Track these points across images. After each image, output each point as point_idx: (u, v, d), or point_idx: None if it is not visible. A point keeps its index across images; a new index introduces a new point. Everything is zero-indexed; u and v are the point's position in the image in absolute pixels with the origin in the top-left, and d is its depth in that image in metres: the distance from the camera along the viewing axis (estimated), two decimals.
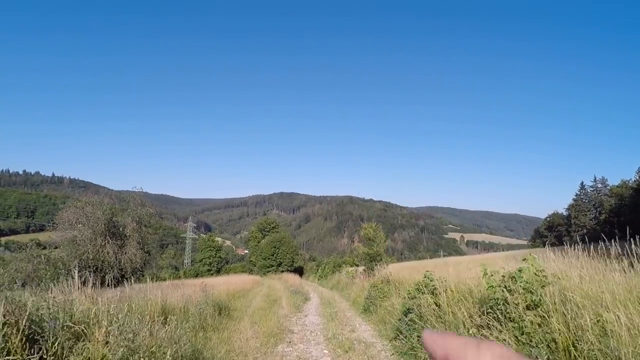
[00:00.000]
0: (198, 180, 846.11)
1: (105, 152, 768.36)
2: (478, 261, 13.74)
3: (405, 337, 6.45)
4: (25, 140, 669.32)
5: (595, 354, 3.10)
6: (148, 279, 8.12)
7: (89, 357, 3.10)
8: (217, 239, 74.27)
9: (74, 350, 3.09)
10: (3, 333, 2.71)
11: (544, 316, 3.83)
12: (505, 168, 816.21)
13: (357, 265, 32.77)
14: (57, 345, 3.01)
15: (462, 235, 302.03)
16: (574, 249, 4.75)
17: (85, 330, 3.30)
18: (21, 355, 2.81)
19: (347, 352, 6.84)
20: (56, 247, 24.45)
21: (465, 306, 5.16)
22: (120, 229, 24.29)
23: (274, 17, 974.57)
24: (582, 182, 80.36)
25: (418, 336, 6.03)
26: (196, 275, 55.79)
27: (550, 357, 3.45)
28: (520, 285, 4.32)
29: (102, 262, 22.50)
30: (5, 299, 3.05)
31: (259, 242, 63.20)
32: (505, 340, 3.74)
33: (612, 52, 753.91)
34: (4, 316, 2.83)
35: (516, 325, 3.88)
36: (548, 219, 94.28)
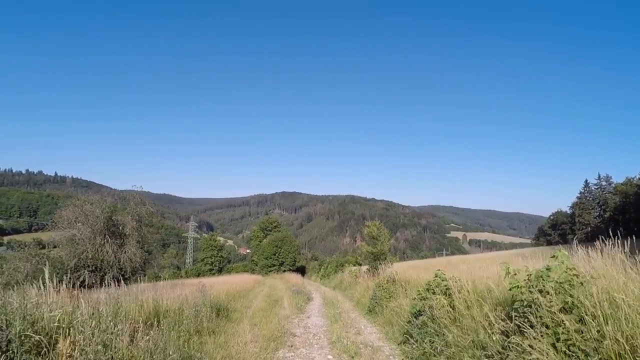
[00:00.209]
0: (200, 179, 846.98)
1: (108, 151, 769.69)
2: (483, 260, 13.25)
3: (417, 341, 5.96)
4: (28, 139, 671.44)
5: None
6: (139, 279, 7.63)
7: None
8: (218, 238, 73.92)
9: None
10: None
11: (581, 320, 3.34)
12: (507, 166, 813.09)
13: (360, 265, 32.28)
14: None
15: (464, 234, 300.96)
16: (608, 245, 4.23)
17: (49, 341, 2.83)
18: None
19: (353, 357, 6.36)
20: (55, 247, 24.12)
21: (485, 308, 4.66)
22: (120, 227, 23.91)
23: (277, 18, 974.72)
24: (587, 180, 79.60)
25: (431, 341, 5.54)
26: (198, 275, 55.51)
27: None
28: (551, 286, 3.82)
29: (101, 261, 22.11)
30: None
31: (260, 242, 62.76)
32: (542, 350, 3.24)
33: (615, 51, 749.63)
34: None
35: (551, 331, 3.39)
36: (552, 217, 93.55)
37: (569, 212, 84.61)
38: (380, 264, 17.78)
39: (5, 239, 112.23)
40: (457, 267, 11.57)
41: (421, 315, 6.26)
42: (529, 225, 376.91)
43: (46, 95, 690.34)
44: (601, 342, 3.04)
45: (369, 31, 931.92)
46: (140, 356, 3.61)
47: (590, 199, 79.55)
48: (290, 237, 61.56)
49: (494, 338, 4.06)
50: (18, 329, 2.61)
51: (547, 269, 4.09)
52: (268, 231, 65.63)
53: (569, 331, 3.27)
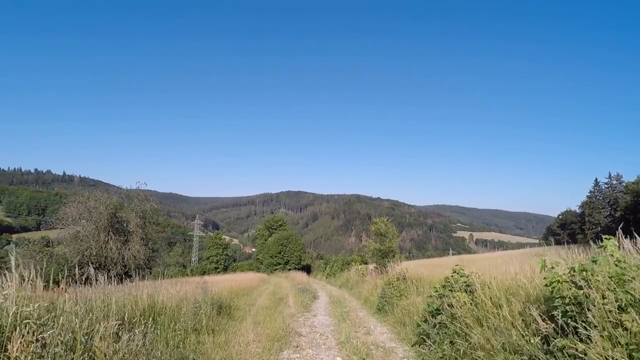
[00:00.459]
0: (206, 179, 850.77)
1: (115, 151, 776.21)
2: (495, 259, 12.63)
3: (435, 342, 5.42)
4: (37, 139, 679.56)
5: None
6: (144, 276, 7.15)
7: None
8: (224, 237, 73.76)
9: None
10: None
11: None
12: (514, 166, 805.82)
13: (366, 264, 31.71)
14: None
15: (471, 234, 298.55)
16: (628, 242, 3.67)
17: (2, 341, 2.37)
18: None
19: (363, 359, 5.84)
20: (59, 243, 23.95)
21: (517, 307, 4.11)
22: (124, 224, 23.68)
23: (283, 19, 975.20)
24: (596, 179, 78.08)
25: (452, 342, 5.00)
26: (203, 273, 55.24)
27: None
28: (600, 280, 3.26)
29: (105, 258, 21.89)
30: None
31: (266, 240, 62.42)
32: (602, 355, 2.68)
33: (626, 51, 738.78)
34: None
35: (606, 333, 2.83)
36: (561, 216, 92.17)
37: (578, 211, 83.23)
38: (388, 261, 17.22)
39: (14, 236, 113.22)
40: (472, 264, 10.99)
41: (439, 314, 5.71)
42: (536, 225, 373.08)
43: (55, 96, 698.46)
44: None
45: (371, 32, 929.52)
46: (120, 358, 3.13)
47: (601, 198, 78.13)
48: (296, 236, 61.14)
49: (532, 341, 3.50)
50: None
51: (592, 261, 3.53)
52: (273, 230, 65.27)
53: (631, 333, 2.71)
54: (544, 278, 3.87)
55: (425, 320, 6.17)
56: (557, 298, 3.56)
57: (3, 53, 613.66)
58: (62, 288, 5.03)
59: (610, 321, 2.87)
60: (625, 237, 3.86)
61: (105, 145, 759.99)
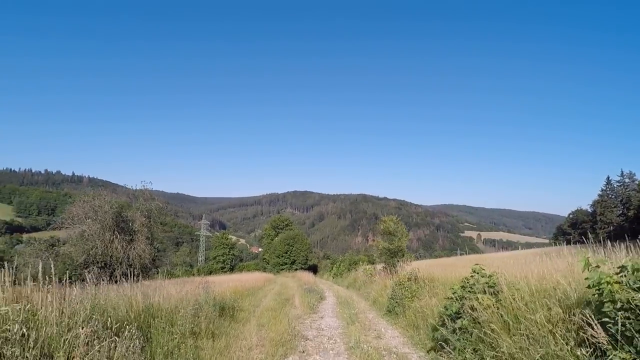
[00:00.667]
0: (213, 179, 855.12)
1: (124, 152, 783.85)
2: (508, 258, 12.04)
3: (455, 349, 4.91)
4: (48, 141, 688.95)
5: None
6: (149, 275, 6.72)
7: None
8: (230, 236, 73.58)
9: None
10: None
11: None
12: (523, 165, 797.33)
13: (373, 263, 31.13)
14: None
15: (479, 234, 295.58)
16: None
17: None
18: None
19: None
20: (64, 243, 23.87)
21: (556, 311, 3.58)
22: (130, 223, 23.52)
23: (291, 21, 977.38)
24: (608, 177, 76.51)
25: (475, 350, 4.49)
26: (210, 273, 55.09)
27: None
28: None
29: (111, 257, 21.73)
30: None
31: (272, 240, 62.07)
32: None
33: (634, 53, 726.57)
34: None
35: None
36: (571, 215, 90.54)
37: (589, 210, 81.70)
38: (397, 261, 16.68)
39: (25, 236, 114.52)
40: (485, 265, 10.42)
41: (459, 317, 5.19)
42: (545, 225, 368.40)
43: (65, 98, 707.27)
44: None
45: (376, 33, 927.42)
46: None
47: (613, 196, 76.55)
48: (302, 235, 60.72)
49: (579, 353, 2.99)
50: None
51: None
52: (280, 229, 64.90)
53: None
54: (587, 278, 3.36)
55: (443, 324, 5.65)
56: (607, 302, 3.04)
57: (16, 56, 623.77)
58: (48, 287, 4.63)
59: None
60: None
61: (113, 146, 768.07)
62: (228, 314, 8.45)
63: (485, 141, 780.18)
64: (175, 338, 5.08)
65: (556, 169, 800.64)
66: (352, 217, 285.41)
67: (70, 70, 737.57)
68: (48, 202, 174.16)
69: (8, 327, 2.72)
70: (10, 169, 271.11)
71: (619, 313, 2.93)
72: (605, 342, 2.86)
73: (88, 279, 4.70)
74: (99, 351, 3.15)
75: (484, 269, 5.75)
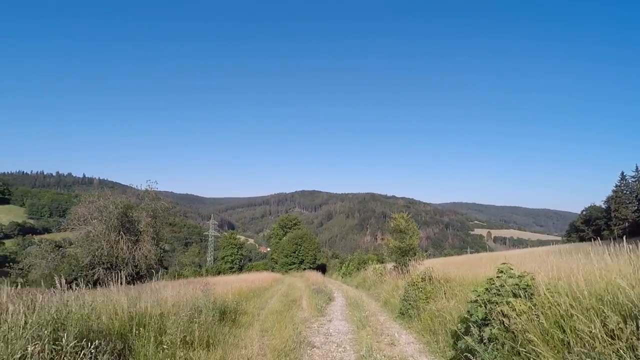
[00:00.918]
0: (222, 180, 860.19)
1: (133, 154, 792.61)
2: (518, 257, 11.29)
3: None
4: (59, 143, 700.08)
5: None
6: (123, 275, 6.15)
7: None
8: (238, 236, 73.34)
9: None
10: None
11: None
12: (533, 162, 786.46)
13: (382, 262, 30.40)
14: None
15: (488, 232, 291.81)
16: None
17: None
18: None
19: None
20: (71, 244, 23.70)
21: (612, 320, 2.89)
22: (135, 223, 23.22)
23: (299, 22, 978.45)
24: (623, 172, 74.36)
25: None
26: (218, 273, 54.87)
27: None
28: None
29: (116, 258, 21.44)
30: None
31: (280, 239, 61.63)
32: None
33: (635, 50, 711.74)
34: None
35: None
36: (585, 212, 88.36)
37: (603, 206, 79.63)
38: (409, 260, 15.99)
39: (37, 238, 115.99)
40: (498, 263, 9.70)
41: (487, 325, 4.52)
42: (557, 222, 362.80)
43: (76, 99, 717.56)
44: None
45: (382, 32, 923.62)
46: None
47: (628, 192, 74.41)
48: (310, 235, 60.15)
49: None
50: None
51: None
52: (288, 229, 64.43)
53: None
54: None
55: (467, 332, 4.98)
56: None
57: (29, 58, 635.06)
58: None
59: None
60: None
61: (123, 148, 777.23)
62: (229, 318, 7.86)
63: (494, 139, 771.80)
64: (165, 349, 4.51)
65: (568, 166, 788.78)
66: (360, 216, 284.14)
67: (78, 72, 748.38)
68: (59, 203, 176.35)
69: None
70: (23, 172, 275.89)
71: None
72: None
73: (59, 284, 4.13)
74: None
75: (512, 269, 5.06)
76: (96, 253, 20.74)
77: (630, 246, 4.76)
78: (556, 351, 3.37)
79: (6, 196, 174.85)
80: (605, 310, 3.03)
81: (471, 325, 4.71)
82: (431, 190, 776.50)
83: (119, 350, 3.92)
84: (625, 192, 73.25)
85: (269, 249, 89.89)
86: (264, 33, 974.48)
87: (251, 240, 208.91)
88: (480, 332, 4.53)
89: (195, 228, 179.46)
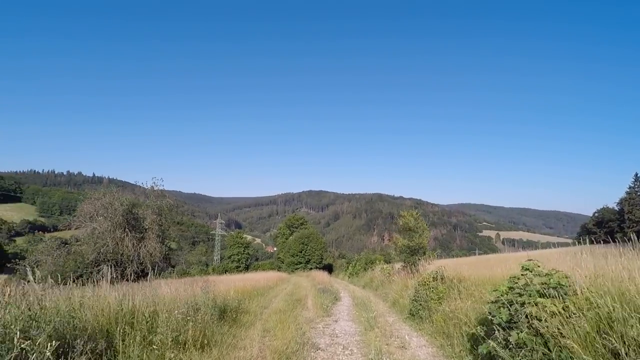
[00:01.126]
0: (229, 179, 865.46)
1: (142, 153, 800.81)
2: (531, 258, 10.71)
3: None
4: (69, 142, 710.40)
5: None
6: (108, 270, 5.76)
7: None
8: (245, 235, 73.15)
9: None
10: None
11: None
12: (543, 164, 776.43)
13: (389, 262, 29.85)
14: None
15: (497, 233, 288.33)
16: None
17: None
18: None
19: None
20: (77, 240, 23.67)
21: None
22: (140, 221, 23.09)
23: (306, 22, 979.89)
24: (637, 174, 72.64)
25: None
26: (224, 272, 54.70)
27: None
28: None
29: (121, 255, 21.31)
30: None
31: (286, 239, 61.30)
32: None
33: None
34: None
35: None
36: (597, 214, 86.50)
37: (616, 208, 77.87)
38: (418, 259, 15.45)
39: (47, 235, 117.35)
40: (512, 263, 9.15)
41: (513, 327, 4.01)
42: (567, 224, 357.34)
43: (86, 100, 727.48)
44: None
45: (388, 32, 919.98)
46: None
47: None
48: (317, 234, 59.66)
49: None
50: None
51: None
52: (294, 228, 64.06)
53: None
54: None
55: (488, 334, 4.48)
56: None
57: (44, 57, 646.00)
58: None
59: None
60: None
61: (133, 147, 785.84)
62: (230, 317, 7.43)
63: (503, 140, 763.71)
64: (154, 349, 4.09)
65: (578, 168, 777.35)
66: (367, 216, 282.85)
67: (86, 71, 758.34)
68: (70, 202, 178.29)
69: None
70: (34, 171, 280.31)
71: None
72: None
73: (31, 277, 3.71)
74: None
75: (539, 266, 4.55)
76: (101, 250, 20.62)
77: None
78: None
79: (18, 194, 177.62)
80: None
81: (495, 329, 4.19)
82: (439, 191, 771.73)
83: (100, 351, 3.51)
84: (639, 193, 71.58)
85: (275, 249, 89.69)
86: (272, 33, 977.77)
87: (258, 240, 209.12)
88: (505, 335, 4.01)
89: (203, 227, 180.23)
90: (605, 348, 2.94)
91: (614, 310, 2.98)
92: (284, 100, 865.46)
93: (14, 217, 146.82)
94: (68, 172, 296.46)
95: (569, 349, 3.18)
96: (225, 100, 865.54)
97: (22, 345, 2.90)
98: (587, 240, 7.21)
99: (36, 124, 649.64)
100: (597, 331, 3.08)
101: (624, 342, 2.76)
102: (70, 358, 3.06)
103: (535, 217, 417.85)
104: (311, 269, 47.42)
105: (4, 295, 3.11)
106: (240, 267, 59.41)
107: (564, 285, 3.88)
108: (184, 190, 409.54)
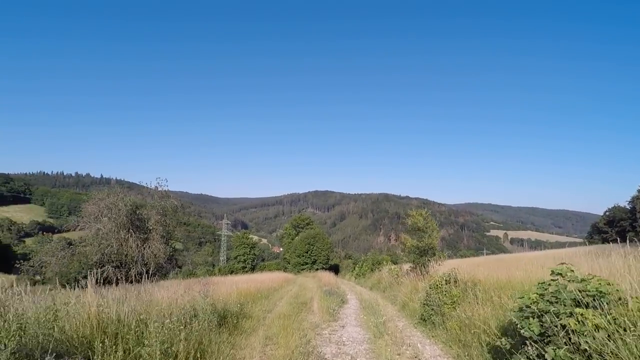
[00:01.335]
0: (236, 180, 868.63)
1: (150, 154, 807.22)
2: (542, 258, 10.14)
3: None
4: (78, 143, 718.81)
5: None
6: (91, 275, 5.29)
7: None
8: (251, 236, 72.89)
9: None
10: None
11: None
12: (552, 163, 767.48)
13: (395, 263, 29.27)
14: None
15: (505, 233, 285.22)
16: None
17: None
18: None
19: None
20: (82, 241, 23.49)
21: None
22: (145, 221, 22.85)
23: (311, 22, 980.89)
24: None
25: None
26: (231, 272, 54.49)
27: None
28: None
29: (125, 256, 21.08)
30: None
31: (292, 239, 60.88)
32: None
33: None
34: None
35: None
36: (608, 213, 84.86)
37: (628, 207, 76.28)
38: (427, 260, 14.91)
39: (55, 236, 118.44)
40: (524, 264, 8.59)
41: (547, 341, 3.51)
42: (576, 224, 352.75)
43: (94, 100, 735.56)
44: None
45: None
46: None
47: None
48: (323, 234, 59.15)
49: None
50: None
51: None
52: (300, 228, 63.65)
53: None
54: None
55: (515, 348, 3.97)
56: None
57: (46, 58, 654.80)
58: None
59: None
60: None
61: (140, 149, 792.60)
62: (230, 324, 6.98)
63: (511, 139, 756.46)
64: None
65: (587, 167, 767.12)
66: (373, 216, 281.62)
67: (92, 72, 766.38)
68: (78, 203, 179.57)
69: None
70: (43, 172, 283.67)
71: None
72: None
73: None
74: None
75: (572, 270, 4.03)
76: (105, 251, 20.40)
77: None
78: None
79: (27, 196, 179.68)
80: None
81: (526, 342, 3.68)
82: (445, 191, 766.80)
83: None
84: None
85: (281, 249, 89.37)
86: (272, 33, 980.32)
87: (264, 240, 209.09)
88: (539, 351, 3.50)
89: (209, 228, 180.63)
90: None
91: None
92: (290, 100, 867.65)
93: (24, 218, 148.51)
94: (76, 173, 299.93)
95: None
96: (231, 100, 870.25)
97: None
98: (599, 240, 6.59)
99: (45, 126, 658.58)
100: None
101: None
102: None
103: (543, 217, 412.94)
104: (317, 269, 46.94)
105: None
106: (246, 267, 59.16)
107: (606, 293, 3.37)
108: (191, 191, 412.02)
